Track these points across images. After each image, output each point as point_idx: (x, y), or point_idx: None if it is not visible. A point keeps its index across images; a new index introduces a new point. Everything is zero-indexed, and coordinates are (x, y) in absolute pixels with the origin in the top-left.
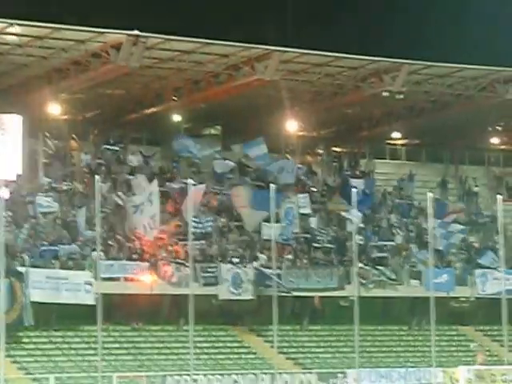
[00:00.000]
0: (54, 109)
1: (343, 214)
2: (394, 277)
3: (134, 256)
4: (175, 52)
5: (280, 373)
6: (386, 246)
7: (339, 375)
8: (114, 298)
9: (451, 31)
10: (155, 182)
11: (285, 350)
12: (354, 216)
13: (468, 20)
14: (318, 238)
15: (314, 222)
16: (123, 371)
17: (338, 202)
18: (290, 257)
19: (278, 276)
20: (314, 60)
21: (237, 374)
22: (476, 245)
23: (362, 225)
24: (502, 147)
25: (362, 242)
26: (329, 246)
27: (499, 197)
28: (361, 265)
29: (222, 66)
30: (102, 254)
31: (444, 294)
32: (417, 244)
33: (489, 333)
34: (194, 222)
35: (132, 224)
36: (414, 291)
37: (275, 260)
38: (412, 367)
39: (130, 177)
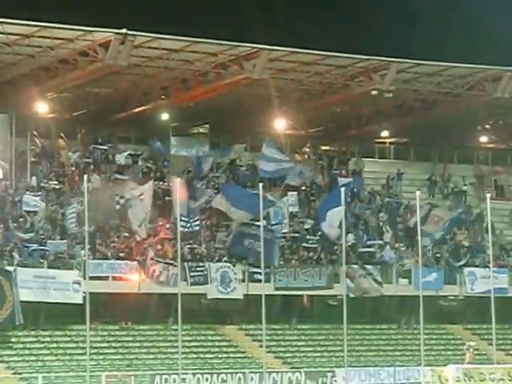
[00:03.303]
0: (42, 107)
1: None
2: (379, 278)
3: (122, 255)
4: (163, 50)
5: (269, 372)
6: (374, 244)
7: (328, 374)
8: (102, 297)
9: (440, 30)
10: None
11: (273, 349)
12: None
13: (456, 18)
14: (307, 236)
15: (303, 220)
16: (112, 370)
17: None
18: (278, 256)
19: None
20: (303, 58)
21: (225, 373)
22: (465, 243)
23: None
24: (491, 145)
25: (354, 241)
26: (317, 245)
27: (488, 195)
28: (350, 265)
29: (211, 65)
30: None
31: (433, 293)
32: (405, 243)
33: (477, 331)
34: (182, 221)
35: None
36: (402, 290)
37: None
38: (401, 366)
39: (119, 176)
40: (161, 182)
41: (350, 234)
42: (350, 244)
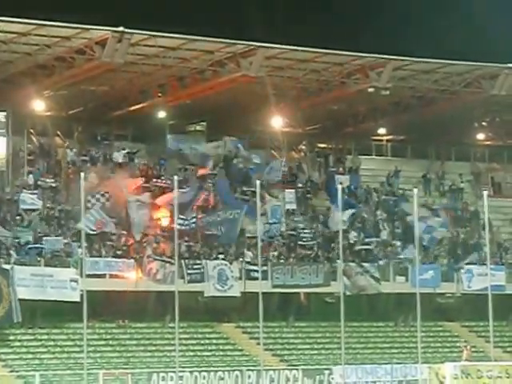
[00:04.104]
0: (39, 105)
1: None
2: (377, 275)
3: (119, 253)
4: (160, 48)
5: (266, 369)
6: (372, 242)
7: (325, 372)
8: (99, 295)
9: (437, 27)
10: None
11: (271, 346)
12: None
13: (453, 16)
14: (304, 234)
15: (299, 218)
16: (109, 368)
17: (324, 199)
18: (275, 253)
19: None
20: (300, 56)
21: (223, 370)
22: (462, 241)
23: (345, 222)
24: (488, 143)
25: (355, 239)
26: (314, 242)
27: (485, 192)
28: (347, 262)
29: (207, 63)
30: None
31: (430, 291)
32: (402, 240)
33: (474, 329)
34: (180, 219)
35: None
36: (399, 287)
37: (261, 257)
38: (398, 363)
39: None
40: (158, 180)
41: (352, 232)
42: (351, 242)
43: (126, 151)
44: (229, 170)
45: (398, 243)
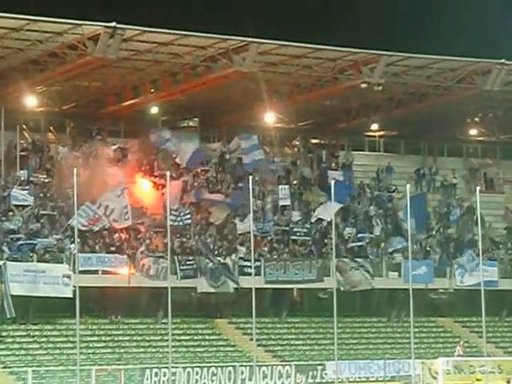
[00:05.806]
0: (31, 101)
1: (315, 213)
2: (371, 270)
3: (112, 249)
4: (152, 44)
5: (259, 365)
6: (364, 237)
7: (318, 367)
8: (92, 291)
9: (429, 22)
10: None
11: (264, 342)
12: (327, 213)
13: (446, 11)
14: (297, 230)
15: (293, 214)
16: (101, 364)
17: (317, 194)
18: (268, 249)
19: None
20: (292, 52)
21: (216, 366)
22: (454, 236)
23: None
24: (480, 138)
25: (350, 235)
26: (308, 238)
27: (477, 188)
28: (341, 258)
29: (200, 58)
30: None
31: (423, 286)
32: (395, 236)
33: (467, 324)
34: (173, 215)
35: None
36: (392, 283)
37: (254, 252)
38: (391, 359)
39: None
40: (152, 176)
41: (347, 228)
42: (346, 238)
43: (117, 146)
44: (223, 166)
45: (391, 238)
